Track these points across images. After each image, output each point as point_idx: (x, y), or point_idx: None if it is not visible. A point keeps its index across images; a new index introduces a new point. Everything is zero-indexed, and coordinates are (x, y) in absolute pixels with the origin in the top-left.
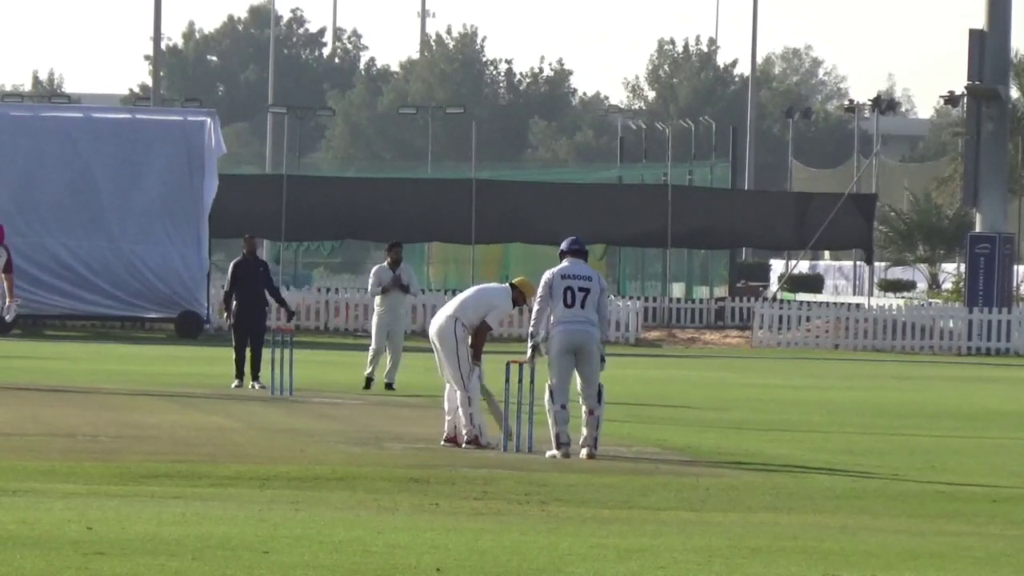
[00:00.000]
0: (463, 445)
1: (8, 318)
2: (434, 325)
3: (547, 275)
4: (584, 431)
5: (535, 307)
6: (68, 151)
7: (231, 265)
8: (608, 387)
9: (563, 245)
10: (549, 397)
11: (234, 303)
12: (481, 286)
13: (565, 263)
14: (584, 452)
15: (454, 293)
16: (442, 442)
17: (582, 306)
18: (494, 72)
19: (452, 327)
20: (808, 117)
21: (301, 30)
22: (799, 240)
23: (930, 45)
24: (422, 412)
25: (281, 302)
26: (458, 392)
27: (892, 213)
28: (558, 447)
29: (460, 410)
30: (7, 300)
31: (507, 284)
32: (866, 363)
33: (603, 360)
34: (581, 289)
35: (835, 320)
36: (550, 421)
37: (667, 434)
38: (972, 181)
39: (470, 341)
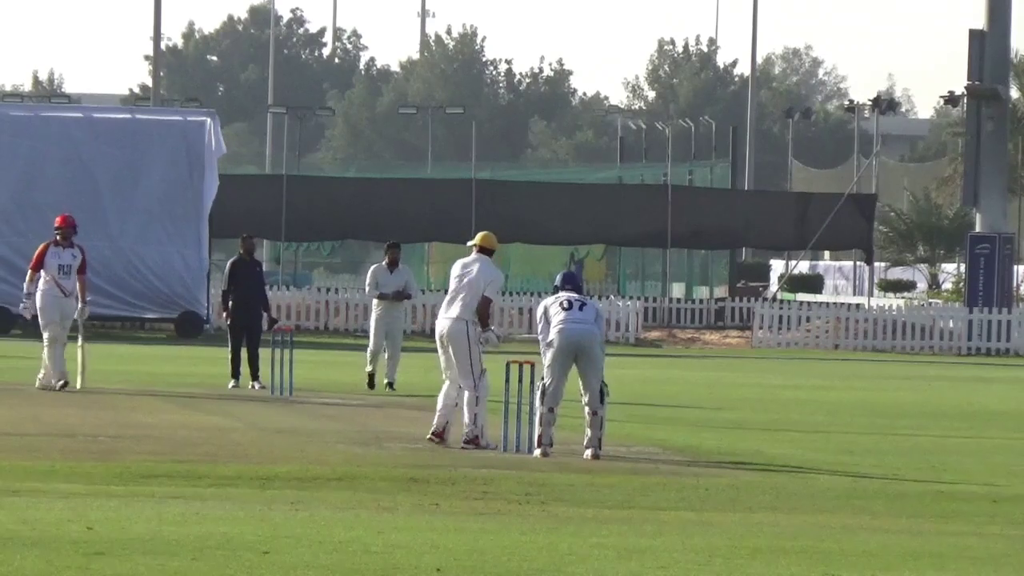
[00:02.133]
0: (462, 445)
1: (81, 319)
2: (443, 326)
3: (541, 305)
4: (588, 432)
5: (540, 336)
6: (68, 151)
7: (228, 264)
8: (608, 387)
9: (557, 280)
10: (540, 399)
11: (230, 303)
12: (468, 272)
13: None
14: (588, 452)
15: None
16: (428, 435)
17: (580, 310)
18: (494, 72)
19: (464, 329)
20: (808, 117)
21: (301, 30)
22: (799, 240)
23: (930, 45)
24: (422, 412)
25: (266, 307)
26: (466, 392)
27: (892, 213)
28: (539, 445)
29: (465, 409)
30: (80, 303)
31: (478, 253)
32: (866, 363)
33: (604, 392)
34: (578, 300)
35: (835, 320)
36: (536, 421)
37: (667, 434)
38: (972, 181)
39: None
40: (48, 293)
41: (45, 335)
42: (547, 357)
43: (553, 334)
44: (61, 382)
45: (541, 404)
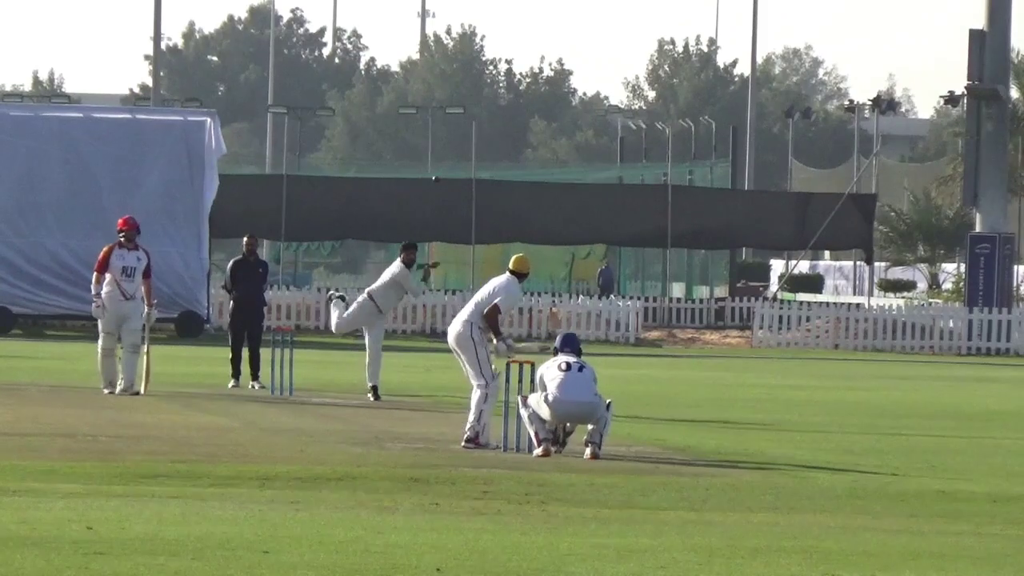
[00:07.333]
0: (463, 444)
1: (147, 323)
2: (452, 332)
3: (539, 372)
4: (589, 426)
5: (538, 389)
6: (68, 151)
7: (230, 263)
8: (608, 387)
9: (556, 342)
10: (522, 402)
11: (231, 302)
12: (488, 285)
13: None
14: (588, 451)
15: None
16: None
17: (580, 371)
18: (494, 72)
19: (468, 332)
20: (808, 117)
21: (301, 30)
22: (799, 240)
23: (930, 45)
24: (422, 412)
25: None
26: (477, 390)
27: (892, 213)
28: (539, 443)
29: (472, 405)
30: (146, 306)
31: (507, 273)
32: (866, 363)
33: (608, 407)
34: (577, 363)
35: (835, 320)
36: (526, 423)
37: (667, 434)
38: (972, 181)
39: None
40: (109, 296)
41: (100, 342)
42: (542, 410)
43: (550, 400)
44: (108, 389)
45: (523, 407)
